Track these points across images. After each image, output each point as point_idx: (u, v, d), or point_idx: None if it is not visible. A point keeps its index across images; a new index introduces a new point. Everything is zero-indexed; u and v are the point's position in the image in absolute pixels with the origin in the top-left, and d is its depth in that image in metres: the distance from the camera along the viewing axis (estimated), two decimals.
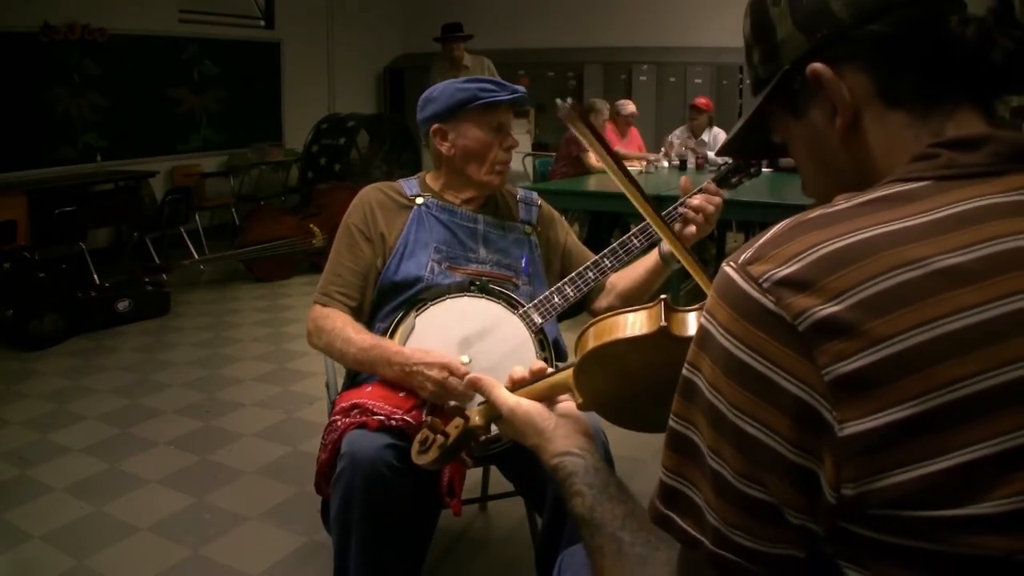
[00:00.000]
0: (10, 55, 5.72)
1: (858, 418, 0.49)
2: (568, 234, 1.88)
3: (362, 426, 1.46)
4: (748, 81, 0.74)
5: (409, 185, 1.79)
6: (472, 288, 1.64)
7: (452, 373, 1.48)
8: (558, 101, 1.05)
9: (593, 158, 5.76)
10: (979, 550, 0.47)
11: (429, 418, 1.05)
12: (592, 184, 5.30)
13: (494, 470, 2.11)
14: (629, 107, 6.19)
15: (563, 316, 1.74)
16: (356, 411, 1.50)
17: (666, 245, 1.63)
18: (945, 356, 0.48)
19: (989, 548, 0.47)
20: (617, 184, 1.04)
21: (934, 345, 0.49)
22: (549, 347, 1.62)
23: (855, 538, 0.51)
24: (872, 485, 0.49)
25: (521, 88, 1.72)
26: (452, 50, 5.76)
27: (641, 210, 1.08)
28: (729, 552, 0.55)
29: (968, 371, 0.48)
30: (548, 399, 0.92)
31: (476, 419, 1.00)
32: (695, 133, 6.07)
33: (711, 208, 1.60)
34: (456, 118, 1.69)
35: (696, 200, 1.61)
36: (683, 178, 1.67)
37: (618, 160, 1.03)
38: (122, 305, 4.44)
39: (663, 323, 0.78)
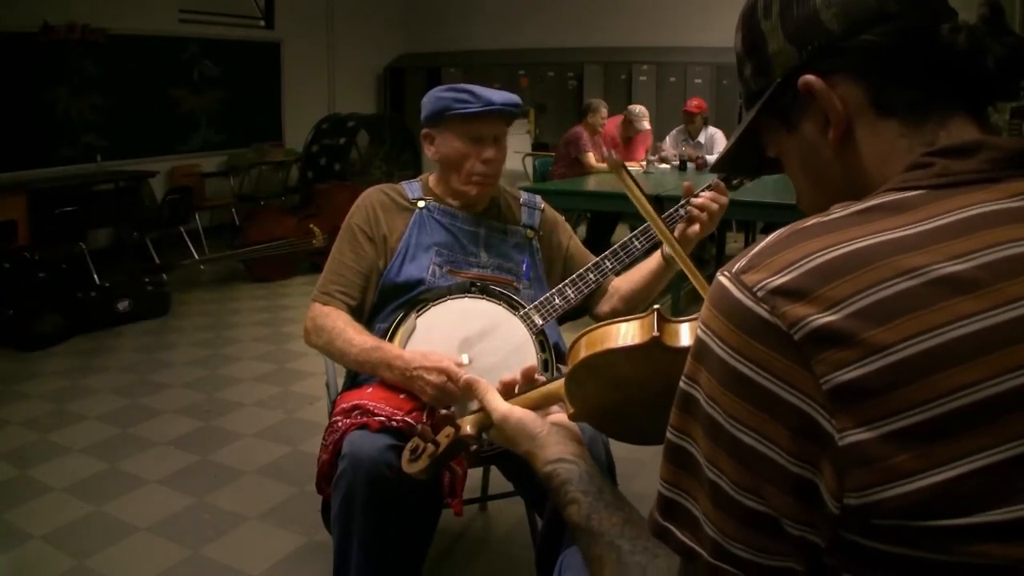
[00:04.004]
0: (10, 55, 5.71)
1: (858, 427, 0.48)
2: (571, 238, 1.88)
3: (363, 427, 1.46)
4: (741, 95, 0.74)
5: (411, 188, 1.79)
6: (473, 289, 1.65)
7: (450, 378, 1.48)
8: (604, 152, 1.15)
9: (592, 159, 5.76)
10: (987, 559, 0.47)
11: (420, 426, 1.04)
12: (592, 184, 5.30)
13: (494, 470, 2.11)
14: (644, 124, 5.74)
15: (565, 318, 1.74)
16: (357, 412, 1.50)
17: (668, 247, 1.63)
18: (947, 364, 0.48)
19: (997, 557, 0.47)
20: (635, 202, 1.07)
21: (935, 353, 0.48)
22: (549, 348, 1.63)
23: (859, 549, 0.50)
24: (880, 495, 0.48)
25: (507, 98, 1.66)
26: None
27: (648, 218, 1.10)
28: (727, 564, 0.55)
29: (971, 378, 0.47)
30: (540, 408, 0.91)
31: (467, 428, 0.99)
32: (691, 135, 6.08)
33: (715, 206, 1.61)
34: (440, 125, 1.70)
35: (700, 199, 1.62)
36: (686, 183, 1.68)
37: (646, 196, 1.08)
38: (122, 305, 4.44)
39: (655, 333, 0.77)
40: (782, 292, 0.52)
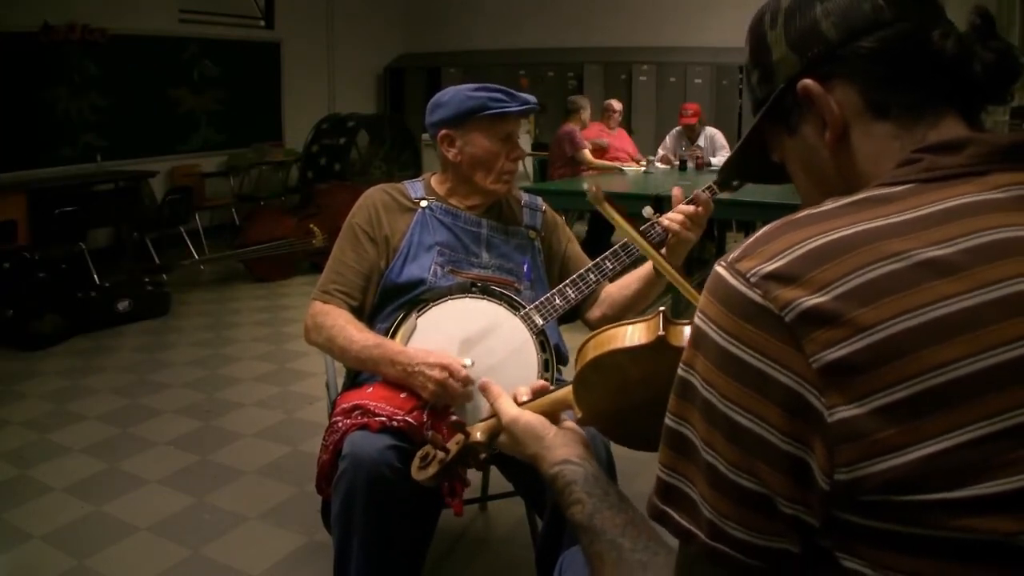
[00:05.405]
0: (10, 55, 5.72)
1: (847, 403, 0.50)
2: (569, 241, 1.88)
3: (364, 427, 1.46)
4: (748, 102, 0.77)
5: (414, 187, 1.78)
6: (473, 289, 1.64)
7: (452, 375, 1.48)
8: (584, 186, 1.33)
9: (589, 155, 5.75)
10: (976, 533, 0.48)
11: (431, 433, 1.06)
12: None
13: (494, 470, 2.11)
14: (613, 105, 6.22)
15: (562, 319, 1.73)
16: (358, 412, 1.50)
17: (656, 265, 1.60)
18: (930, 341, 0.50)
19: (986, 531, 0.48)
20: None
21: (919, 331, 0.50)
22: (550, 348, 1.62)
23: (851, 527, 0.52)
24: (867, 470, 0.50)
25: (532, 99, 1.70)
26: None
27: (633, 241, 1.11)
28: (724, 545, 0.56)
29: (955, 355, 0.49)
30: (550, 415, 0.93)
31: (477, 435, 1.00)
32: (691, 140, 6.09)
33: (692, 210, 1.55)
34: (465, 126, 1.67)
35: (668, 217, 1.56)
36: (675, 188, 1.62)
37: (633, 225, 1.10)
38: (122, 305, 4.44)
39: (661, 333, 0.79)
40: (774, 277, 0.54)
